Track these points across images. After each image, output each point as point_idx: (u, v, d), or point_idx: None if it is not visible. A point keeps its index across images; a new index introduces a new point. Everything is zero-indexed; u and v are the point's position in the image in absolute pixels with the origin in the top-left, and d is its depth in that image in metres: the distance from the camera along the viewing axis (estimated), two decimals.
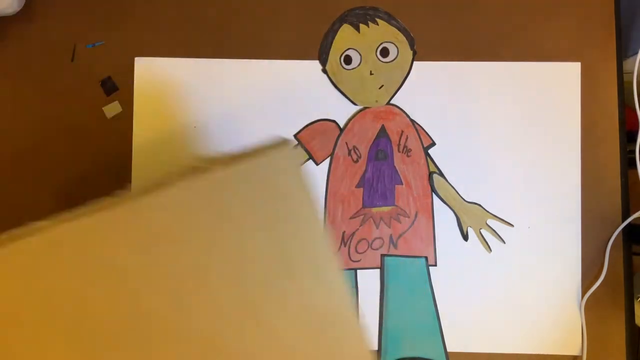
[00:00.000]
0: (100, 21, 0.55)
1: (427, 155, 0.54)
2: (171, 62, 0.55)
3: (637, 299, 0.54)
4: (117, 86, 0.55)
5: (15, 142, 0.54)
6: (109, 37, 0.55)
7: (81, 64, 0.55)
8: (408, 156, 0.53)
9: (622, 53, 0.55)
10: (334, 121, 0.54)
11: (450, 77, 0.55)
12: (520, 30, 0.55)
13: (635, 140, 0.53)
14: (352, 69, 0.54)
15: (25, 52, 0.55)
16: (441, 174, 0.53)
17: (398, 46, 0.54)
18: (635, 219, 0.53)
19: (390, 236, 0.53)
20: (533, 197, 0.54)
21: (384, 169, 0.53)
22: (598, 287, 0.53)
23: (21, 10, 0.54)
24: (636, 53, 0.54)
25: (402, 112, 0.54)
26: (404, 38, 0.54)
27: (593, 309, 0.53)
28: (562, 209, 0.54)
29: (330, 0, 0.55)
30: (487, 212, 0.54)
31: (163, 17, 0.55)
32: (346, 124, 0.54)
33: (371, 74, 0.54)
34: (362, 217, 0.53)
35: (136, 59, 0.55)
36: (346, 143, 0.54)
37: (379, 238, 0.53)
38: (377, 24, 0.54)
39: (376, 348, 0.52)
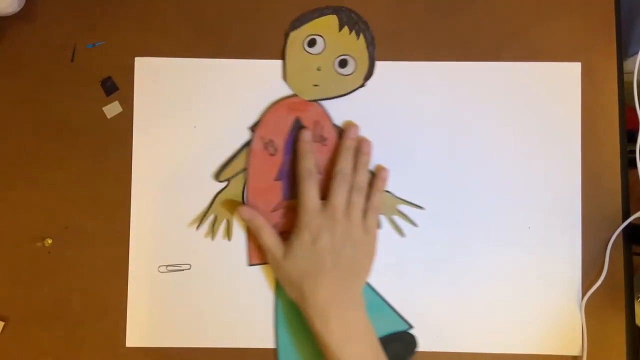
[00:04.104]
0: (100, 21, 0.55)
1: None
2: (171, 62, 0.55)
3: (637, 299, 0.54)
4: (117, 86, 0.55)
5: (15, 142, 0.54)
6: (109, 37, 0.55)
7: (81, 64, 0.55)
8: (324, 145, 0.53)
9: (622, 53, 0.55)
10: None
11: (449, 77, 0.55)
12: (520, 30, 0.55)
13: (635, 140, 0.53)
14: (311, 53, 0.54)
15: (25, 52, 0.55)
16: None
17: (357, 68, 0.54)
18: (635, 219, 0.53)
19: None
20: (533, 197, 0.54)
21: None
22: (598, 287, 0.53)
23: (21, 10, 0.54)
24: (636, 53, 0.54)
25: (315, 103, 0.54)
26: (367, 66, 0.54)
27: (593, 309, 0.53)
28: (562, 209, 0.54)
29: (332, 1, 0.55)
30: (397, 198, 0.54)
31: (163, 17, 0.55)
32: (260, 118, 0.54)
33: (318, 69, 0.54)
34: (282, 209, 0.53)
35: (136, 59, 0.55)
36: (262, 137, 0.54)
37: None
38: (357, 37, 0.54)
39: None
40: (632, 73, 0.53)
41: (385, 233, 0.54)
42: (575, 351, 0.53)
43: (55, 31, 0.55)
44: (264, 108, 0.54)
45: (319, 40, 0.54)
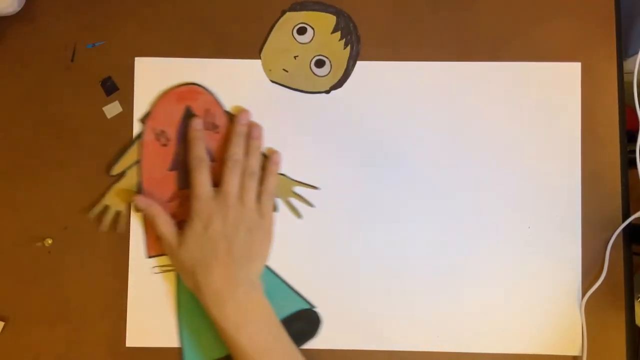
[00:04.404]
0: (100, 21, 0.55)
1: None
2: (171, 62, 0.55)
3: (637, 299, 0.54)
4: (117, 86, 0.55)
5: (15, 142, 0.54)
6: (109, 37, 0.55)
7: (81, 64, 0.55)
8: (216, 132, 0.53)
9: (622, 53, 0.55)
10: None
11: (449, 77, 0.55)
12: (520, 30, 0.55)
13: (635, 140, 0.53)
14: (296, 40, 0.54)
15: (25, 52, 0.55)
16: None
17: (330, 74, 0.54)
18: (635, 219, 0.53)
19: None
20: (533, 197, 0.54)
21: None
22: (598, 287, 0.53)
23: (21, 10, 0.54)
24: (636, 53, 0.54)
25: (205, 91, 0.54)
26: (339, 76, 0.54)
27: (593, 309, 0.53)
28: (562, 209, 0.54)
29: (334, 2, 0.55)
30: (292, 180, 0.54)
31: (163, 17, 0.55)
32: (150, 109, 0.54)
33: (295, 57, 0.54)
34: (178, 199, 0.53)
35: (136, 59, 0.55)
36: (153, 128, 0.54)
37: None
38: (344, 47, 0.54)
39: None
40: (632, 73, 0.53)
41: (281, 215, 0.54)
42: (575, 351, 0.53)
43: (55, 31, 0.55)
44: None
45: (309, 31, 0.54)
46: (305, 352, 0.52)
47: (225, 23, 0.55)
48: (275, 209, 0.53)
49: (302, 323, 0.53)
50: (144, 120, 0.54)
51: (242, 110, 0.54)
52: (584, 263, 0.54)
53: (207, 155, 0.52)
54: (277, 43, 0.55)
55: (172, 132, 0.54)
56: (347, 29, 0.55)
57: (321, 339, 0.53)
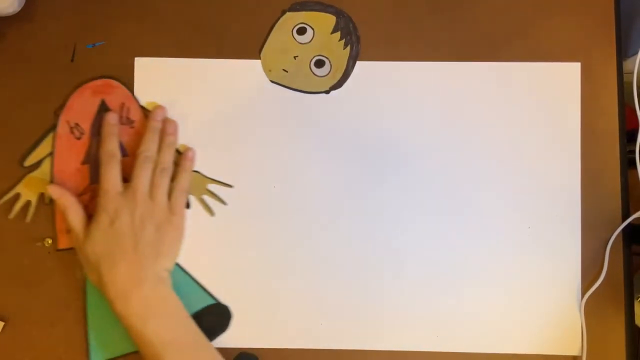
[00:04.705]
0: (100, 21, 0.55)
1: None
2: (171, 62, 0.55)
3: (637, 299, 0.54)
4: None
5: (15, 142, 0.54)
6: (109, 37, 0.55)
7: (81, 64, 0.55)
8: (131, 127, 0.53)
9: (622, 53, 0.55)
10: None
11: (449, 77, 0.55)
12: (520, 30, 0.55)
13: (635, 140, 0.53)
14: (296, 40, 0.54)
15: (25, 52, 0.55)
16: None
17: (330, 74, 0.54)
18: (635, 219, 0.53)
19: None
20: (533, 197, 0.54)
21: None
22: (598, 287, 0.53)
23: (21, 10, 0.54)
24: (636, 53, 0.54)
25: (120, 85, 0.54)
26: (339, 76, 0.54)
27: (593, 309, 0.53)
28: (562, 209, 0.54)
29: (334, 2, 0.55)
30: (206, 177, 0.54)
31: (163, 17, 0.55)
32: (65, 102, 0.54)
33: (295, 58, 0.54)
34: (90, 193, 0.53)
35: (136, 59, 0.55)
36: (67, 121, 0.53)
37: None
38: (344, 47, 0.54)
39: None
40: (632, 73, 0.53)
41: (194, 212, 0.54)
42: (575, 351, 0.53)
43: (55, 31, 0.55)
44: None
45: (309, 31, 0.54)
46: (304, 352, 0.52)
47: (225, 23, 0.55)
48: (187, 205, 0.53)
49: (213, 317, 0.53)
50: (58, 112, 0.54)
51: (157, 107, 0.53)
52: (584, 263, 0.54)
53: (122, 149, 0.52)
54: (277, 43, 0.55)
55: (86, 125, 0.54)
56: (347, 29, 0.55)
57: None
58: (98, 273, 0.48)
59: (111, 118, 0.52)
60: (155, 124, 0.52)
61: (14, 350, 0.53)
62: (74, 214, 0.50)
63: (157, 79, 0.55)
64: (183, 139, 0.54)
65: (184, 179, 0.52)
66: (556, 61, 0.55)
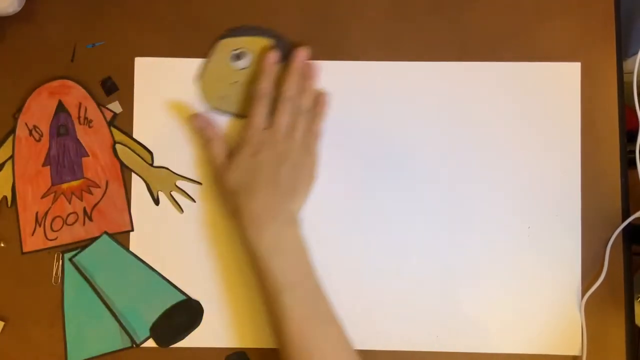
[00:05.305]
0: (100, 21, 0.55)
1: (111, 125, 0.54)
2: (171, 62, 0.55)
3: (637, 299, 0.54)
4: (117, 86, 0.55)
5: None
6: (109, 37, 0.55)
7: (81, 64, 0.55)
8: (90, 127, 0.54)
9: (622, 53, 0.55)
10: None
11: (448, 77, 0.55)
12: (520, 30, 0.55)
13: (635, 140, 0.53)
14: (239, 68, 0.54)
15: (25, 52, 0.55)
16: (131, 140, 0.54)
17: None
18: (635, 219, 0.53)
19: (84, 209, 0.54)
20: (533, 197, 0.54)
21: (67, 144, 0.54)
22: (598, 287, 0.53)
23: (21, 10, 0.54)
24: (636, 53, 0.54)
25: (77, 85, 0.54)
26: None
27: (593, 309, 0.53)
28: (562, 209, 0.54)
29: (336, 2, 0.55)
30: (175, 174, 0.54)
31: (163, 17, 0.55)
32: (23, 104, 0.54)
33: (234, 83, 0.54)
34: (52, 194, 0.53)
35: (136, 59, 0.55)
36: (26, 123, 0.54)
37: (73, 213, 0.53)
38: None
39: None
40: (632, 73, 0.53)
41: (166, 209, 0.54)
42: (575, 351, 0.53)
43: (55, 31, 0.55)
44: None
45: (247, 56, 0.54)
46: None
47: (224, 23, 0.55)
48: (157, 202, 0.54)
49: (184, 313, 0.53)
50: (16, 115, 0.54)
51: (301, 48, 0.54)
52: (584, 263, 0.54)
53: (82, 149, 0.53)
54: (215, 71, 0.54)
55: (45, 127, 0.54)
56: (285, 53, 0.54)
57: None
58: (236, 201, 0.49)
59: (272, 57, 0.53)
60: (297, 65, 0.53)
61: (14, 350, 0.53)
62: (218, 143, 0.52)
63: (157, 79, 0.55)
64: (183, 138, 0.54)
65: (318, 123, 0.53)
66: (556, 61, 0.55)
